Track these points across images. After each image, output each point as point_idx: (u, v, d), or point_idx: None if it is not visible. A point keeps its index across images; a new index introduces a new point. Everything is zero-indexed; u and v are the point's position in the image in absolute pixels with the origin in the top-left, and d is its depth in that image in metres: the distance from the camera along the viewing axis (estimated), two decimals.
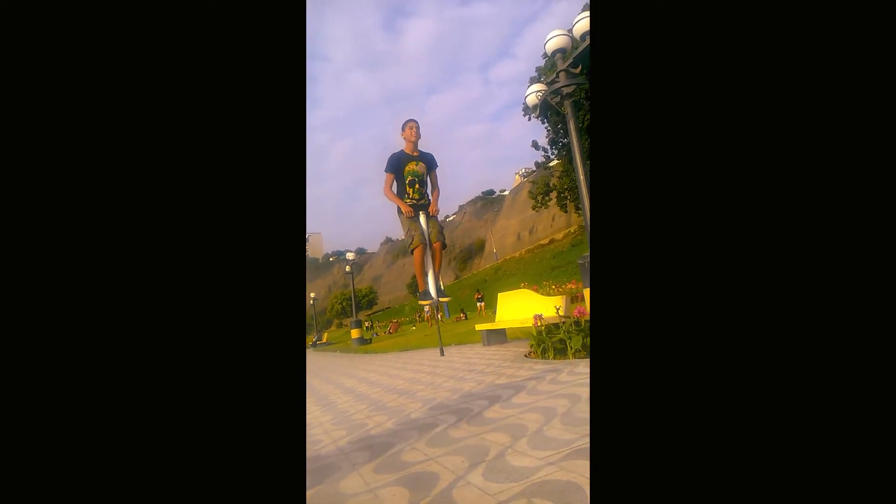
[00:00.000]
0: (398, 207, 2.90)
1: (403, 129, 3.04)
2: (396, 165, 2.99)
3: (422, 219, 2.87)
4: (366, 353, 10.70)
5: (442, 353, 3.40)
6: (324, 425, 2.89)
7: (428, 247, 2.91)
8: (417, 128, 3.02)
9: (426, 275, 2.99)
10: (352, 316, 16.88)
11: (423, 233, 2.90)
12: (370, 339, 15.09)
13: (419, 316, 21.11)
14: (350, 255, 16.81)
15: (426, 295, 2.99)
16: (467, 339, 7.92)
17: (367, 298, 67.48)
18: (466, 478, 1.53)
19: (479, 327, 6.95)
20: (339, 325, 55.99)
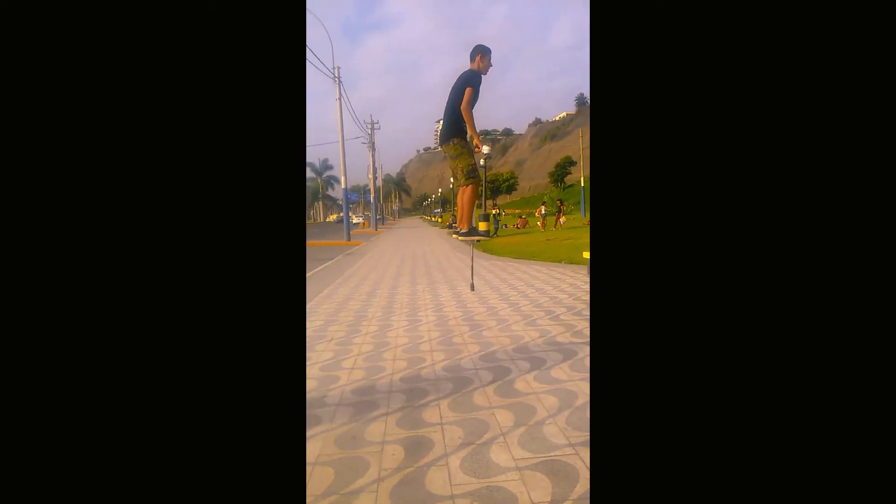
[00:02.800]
0: (454, 128, 2.93)
1: (481, 58, 2.94)
2: (478, 84, 2.94)
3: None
4: (483, 251, 11.32)
5: (473, 289, 3.81)
6: (395, 350, 3.46)
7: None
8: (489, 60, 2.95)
9: (473, 211, 3.20)
10: (491, 198, 17.49)
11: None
12: (492, 234, 15.73)
13: (541, 219, 21.00)
14: (485, 150, 16.81)
15: (475, 232, 3.22)
16: (581, 258, 7.85)
17: (507, 183, 67.50)
18: (448, 458, 1.89)
19: (586, 255, 6.83)
20: (478, 206, 57.96)
